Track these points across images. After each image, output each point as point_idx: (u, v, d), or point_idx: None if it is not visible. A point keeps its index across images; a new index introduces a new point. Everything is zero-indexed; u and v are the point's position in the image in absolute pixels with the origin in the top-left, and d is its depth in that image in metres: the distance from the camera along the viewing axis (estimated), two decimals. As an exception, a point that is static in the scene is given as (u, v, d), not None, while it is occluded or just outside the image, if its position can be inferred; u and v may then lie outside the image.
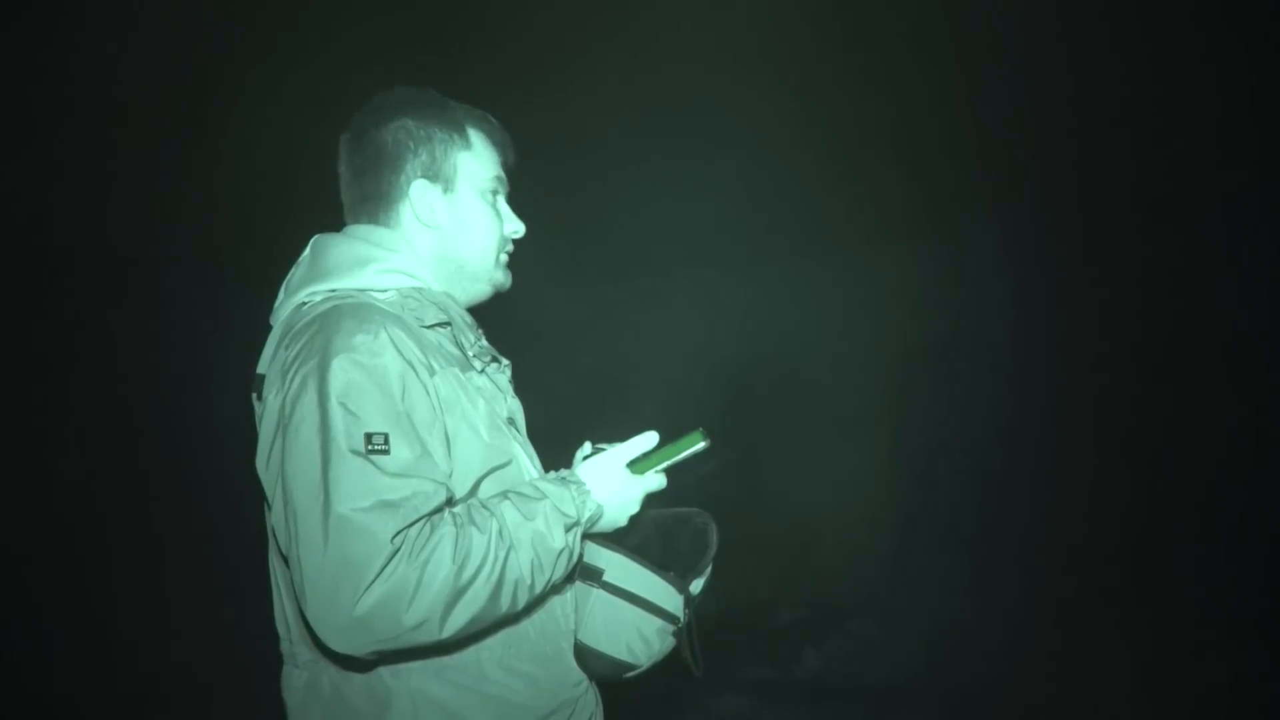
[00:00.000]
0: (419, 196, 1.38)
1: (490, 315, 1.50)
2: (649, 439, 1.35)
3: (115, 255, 4.37)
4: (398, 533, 1.10)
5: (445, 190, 1.40)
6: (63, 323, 4.32)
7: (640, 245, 5.09)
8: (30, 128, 3.85)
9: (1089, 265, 4.53)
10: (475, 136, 1.43)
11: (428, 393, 1.21)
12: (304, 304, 1.32)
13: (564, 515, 1.24)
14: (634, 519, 1.38)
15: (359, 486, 1.10)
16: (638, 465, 1.35)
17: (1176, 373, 4.22)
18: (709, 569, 1.45)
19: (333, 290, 1.31)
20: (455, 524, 1.16)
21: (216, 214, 4.34)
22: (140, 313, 4.48)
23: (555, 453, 1.48)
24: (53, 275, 4.28)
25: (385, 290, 1.33)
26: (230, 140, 4.04)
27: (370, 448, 1.12)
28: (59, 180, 4.05)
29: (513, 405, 1.42)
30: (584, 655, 1.35)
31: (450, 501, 1.21)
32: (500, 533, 1.18)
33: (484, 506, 1.21)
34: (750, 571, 3.78)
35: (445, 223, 1.40)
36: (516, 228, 1.48)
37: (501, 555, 1.16)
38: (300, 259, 1.40)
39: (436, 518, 1.15)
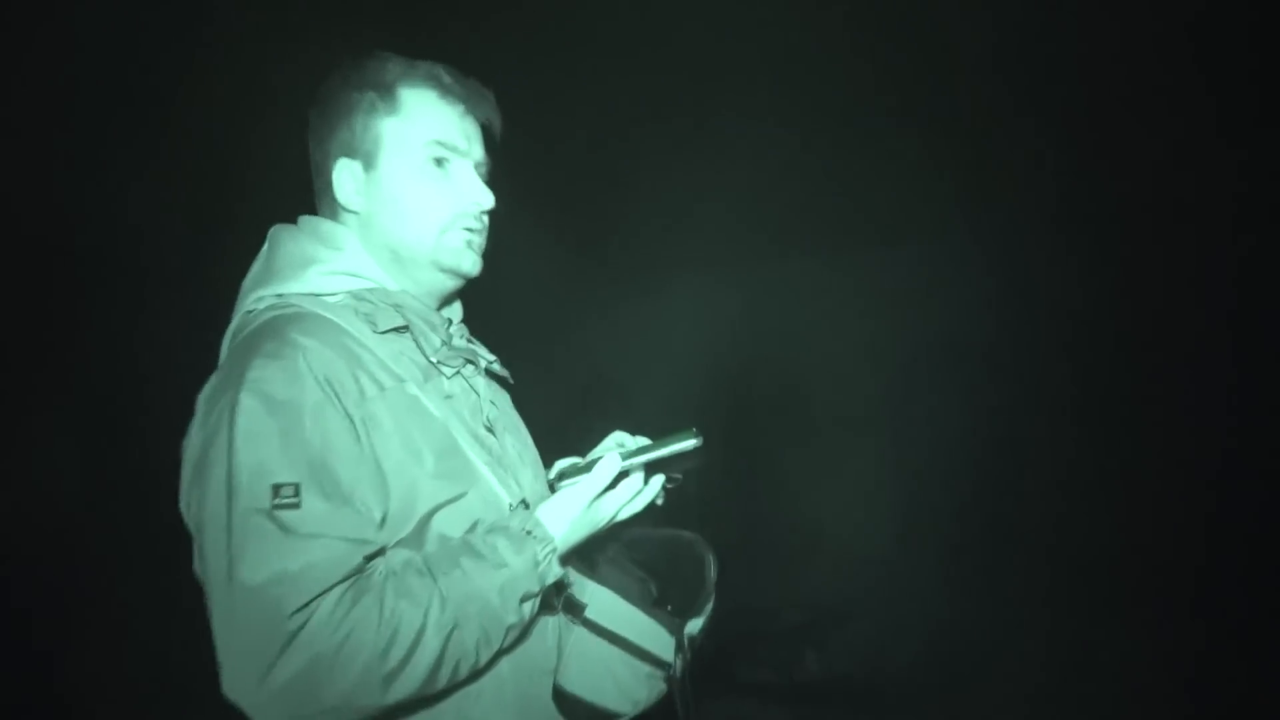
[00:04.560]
0: (339, 178, 1.22)
1: (490, 317, 1.47)
2: (611, 464, 1.15)
3: (128, 257, 4.37)
4: (301, 607, 0.97)
5: (366, 167, 1.22)
6: (65, 324, 4.33)
7: (639, 247, 5.10)
8: (37, 128, 3.86)
9: (1093, 267, 4.52)
10: (409, 96, 1.22)
11: (353, 425, 1.06)
12: (250, 311, 1.19)
13: (522, 589, 1.08)
14: (634, 540, 1.26)
15: (259, 553, 0.98)
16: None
17: (1178, 374, 4.22)
18: (709, 607, 1.28)
19: (279, 295, 1.18)
20: (381, 597, 1.01)
21: (226, 215, 4.34)
22: (147, 315, 4.49)
23: (551, 458, 1.45)
24: (60, 278, 4.29)
25: (334, 294, 1.19)
26: (236, 142, 4.05)
27: (277, 502, 0.99)
28: (64, 179, 4.06)
29: (497, 407, 1.29)
30: (563, 700, 1.19)
31: (382, 551, 1.07)
32: (442, 606, 1.03)
33: (427, 570, 1.05)
34: (750, 574, 3.79)
35: (366, 205, 1.22)
36: (480, 199, 1.24)
37: (442, 633, 1.02)
38: (260, 254, 1.26)
39: (362, 582, 1.02)
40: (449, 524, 1.11)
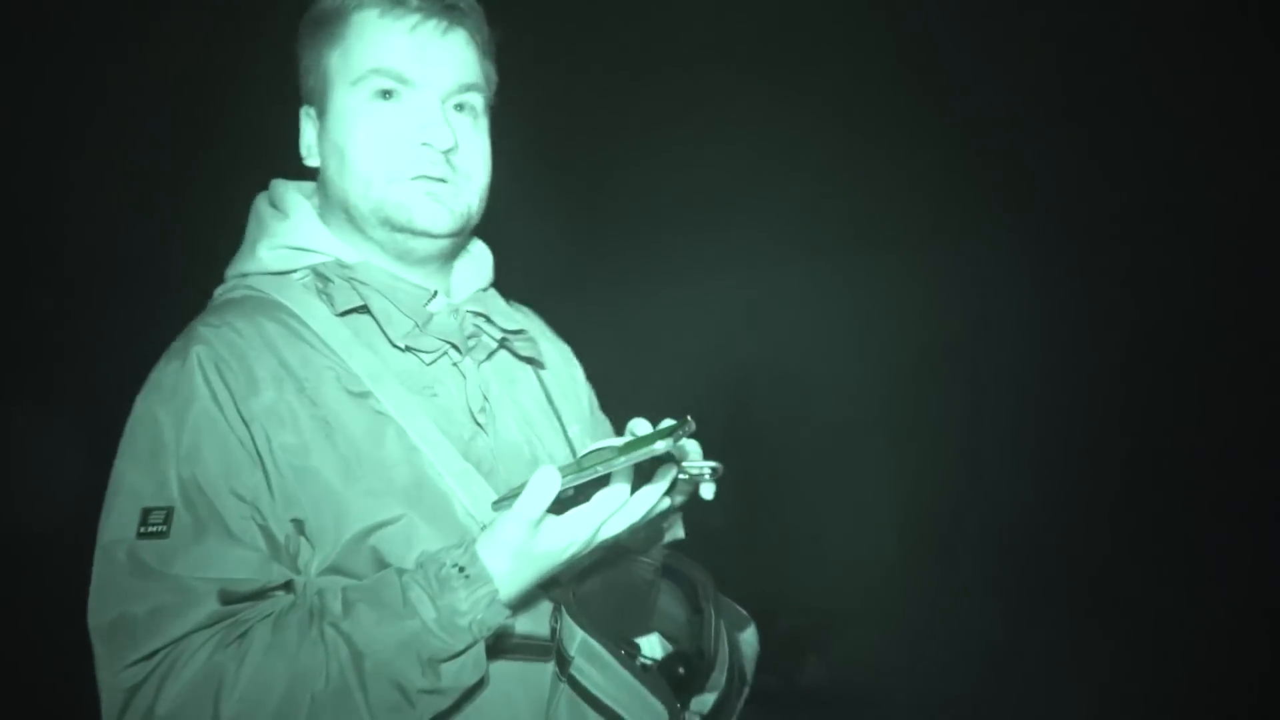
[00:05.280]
0: (302, 130, 1.07)
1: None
2: (546, 482, 0.83)
3: (140, 259, 4.35)
4: (141, 659, 0.82)
5: (319, 113, 1.04)
6: (64, 325, 4.30)
7: (643, 248, 5.07)
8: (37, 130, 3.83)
9: (1103, 270, 4.50)
10: (354, 20, 1.00)
11: (249, 433, 0.89)
12: (220, 293, 1.08)
13: (434, 647, 0.83)
14: (667, 565, 1.05)
15: (108, 591, 0.85)
16: (587, 460, 0.89)
17: (1196, 377, 4.18)
18: (723, 679, 1.01)
19: (242, 275, 1.05)
20: (244, 651, 0.82)
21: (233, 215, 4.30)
22: (151, 317, 4.44)
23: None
24: (66, 278, 4.26)
25: (293, 270, 1.03)
26: (243, 145, 4.01)
27: (144, 530, 0.85)
28: (70, 180, 4.03)
29: (488, 399, 1.06)
30: None
31: (284, 587, 0.90)
32: (326, 665, 0.82)
33: (320, 615, 0.85)
34: (751, 577, 3.75)
35: (321, 158, 1.05)
36: (431, 137, 0.98)
37: (320, 706, 0.81)
38: None
39: (225, 631, 0.84)
40: (390, 550, 0.90)
